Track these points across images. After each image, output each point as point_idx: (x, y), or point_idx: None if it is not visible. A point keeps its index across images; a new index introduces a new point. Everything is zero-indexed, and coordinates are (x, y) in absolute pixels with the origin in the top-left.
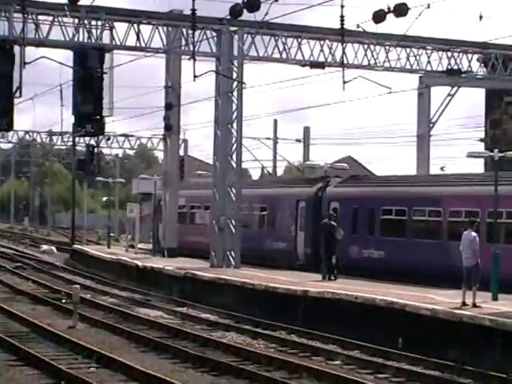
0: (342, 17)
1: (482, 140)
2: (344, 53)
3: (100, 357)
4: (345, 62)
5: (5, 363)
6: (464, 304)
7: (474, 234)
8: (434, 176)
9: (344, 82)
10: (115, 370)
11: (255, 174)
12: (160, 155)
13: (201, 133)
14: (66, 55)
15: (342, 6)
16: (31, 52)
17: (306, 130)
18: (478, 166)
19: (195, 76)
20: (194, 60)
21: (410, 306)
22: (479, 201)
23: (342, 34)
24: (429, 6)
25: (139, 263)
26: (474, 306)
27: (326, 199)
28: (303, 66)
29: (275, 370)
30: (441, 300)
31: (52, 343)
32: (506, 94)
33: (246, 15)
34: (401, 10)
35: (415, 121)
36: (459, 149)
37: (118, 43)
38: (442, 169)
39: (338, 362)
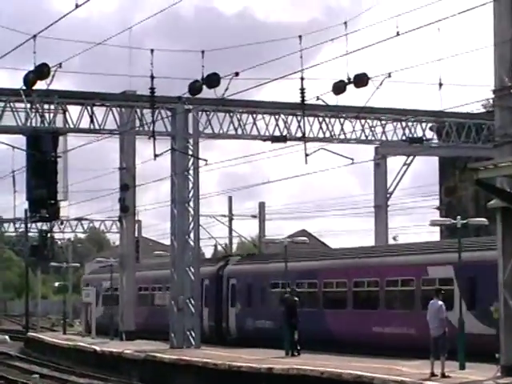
0: (302, 89)
1: (437, 208)
2: (301, 126)
3: None
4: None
5: None
6: (433, 374)
7: (440, 302)
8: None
9: (306, 155)
10: None
11: (208, 252)
12: (112, 238)
13: (150, 213)
14: (18, 140)
15: (302, 79)
16: None
17: (262, 205)
18: (434, 234)
19: (156, 155)
20: (154, 139)
21: (378, 379)
22: (347, 272)
23: (303, 107)
24: (390, 75)
25: (97, 348)
26: (443, 376)
27: (226, 276)
28: (264, 140)
29: None
30: (408, 371)
31: None
32: (459, 162)
33: (205, 92)
34: (361, 81)
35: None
36: (415, 217)
37: (72, 126)
38: (394, 238)
39: None
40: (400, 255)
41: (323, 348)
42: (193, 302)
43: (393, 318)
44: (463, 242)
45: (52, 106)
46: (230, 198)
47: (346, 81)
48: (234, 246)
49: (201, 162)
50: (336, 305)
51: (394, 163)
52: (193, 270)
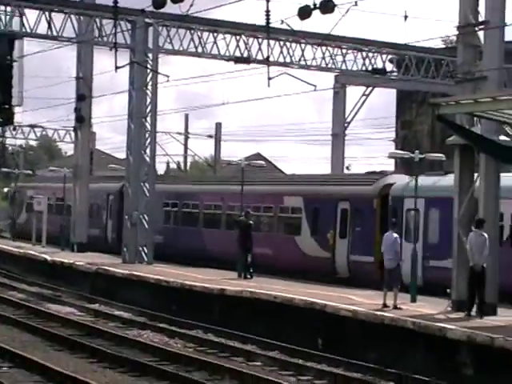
0: (267, 11)
1: (393, 141)
2: (263, 50)
3: (12, 355)
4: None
5: None
6: (385, 305)
7: (395, 235)
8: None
9: (269, 79)
10: (30, 370)
11: (161, 169)
12: (64, 147)
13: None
14: None
15: (268, 0)
16: None
17: (218, 125)
18: (388, 166)
19: (117, 67)
20: (116, 50)
21: (330, 307)
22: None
23: (268, 30)
24: (356, 4)
25: (48, 257)
26: (395, 307)
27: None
28: (228, 60)
29: (196, 371)
30: (360, 301)
31: None
32: (417, 96)
33: (170, 6)
34: (327, 7)
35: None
36: (373, 149)
37: (29, 31)
38: (347, 168)
39: (258, 363)
40: (265, 185)
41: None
42: (147, 218)
43: (256, 240)
44: (313, 177)
45: (8, 9)
46: (187, 116)
47: (312, 6)
48: (188, 165)
49: (159, 78)
50: (212, 225)
51: (353, 93)
52: (148, 186)
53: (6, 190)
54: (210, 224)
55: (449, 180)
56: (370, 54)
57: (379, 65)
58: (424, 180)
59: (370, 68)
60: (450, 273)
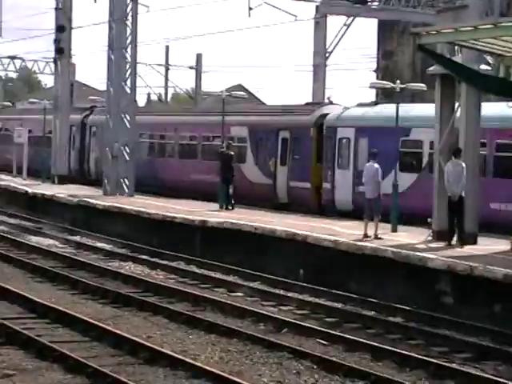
0: None
1: (374, 71)
2: None
3: None
4: None
5: None
6: (366, 236)
7: (376, 165)
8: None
9: (250, 9)
10: (11, 302)
11: (141, 101)
12: (44, 79)
13: (85, 58)
14: None
15: None
16: None
17: (199, 56)
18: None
19: None
20: None
21: (311, 238)
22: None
23: None
24: None
25: (29, 190)
26: (376, 237)
27: (88, 124)
28: None
29: (178, 302)
30: (342, 232)
31: None
32: (398, 26)
33: None
34: None
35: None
36: (354, 79)
37: None
38: (328, 99)
39: (240, 294)
40: (214, 116)
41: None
42: (128, 149)
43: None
44: (257, 108)
45: None
46: (167, 48)
47: None
48: (169, 97)
49: (140, 9)
50: (166, 155)
51: (334, 23)
52: (128, 117)
53: None
54: (163, 154)
55: (376, 110)
56: None
57: None
58: (354, 111)
59: None
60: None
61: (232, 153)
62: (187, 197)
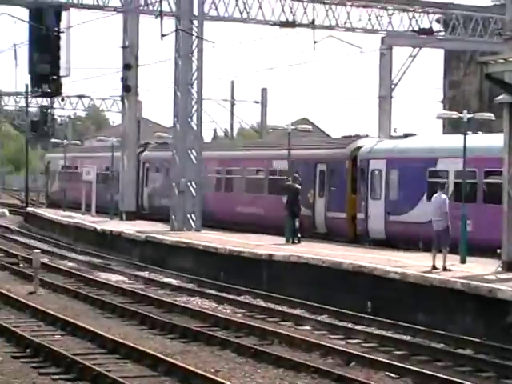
0: None
1: (441, 102)
2: (308, 13)
3: (64, 323)
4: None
5: None
6: (434, 267)
7: (444, 196)
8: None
9: (314, 42)
10: (81, 338)
11: (208, 136)
12: (111, 117)
13: (151, 95)
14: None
15: None
16: None
17: (264, 91)
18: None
19: (162, 35)
20: (162, 18)
21: (378, 270)
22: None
23: None
24: None
25: (97, 226)
26: (445, 269)
27: (142, 161)
28: (273, 25)
29: (245, 336)
30: (409, 263)
31: (13, 310)
32: (464, 56)
33: None
34: None
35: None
36: (420, 110)
37: (75, 1)
38: (394, 130)
39: (307, 328)
40: (257, 150)
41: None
42: (194, 185)
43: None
44: (296, 143)
45: None
46: (233, 83)
47: None
48: (235, 132)
49: (206, 45)
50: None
51: (400, 55)
52: (195, 153)
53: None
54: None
55: (406, 142)
56: (417, 15)
57: (426, 25)
58: (386, 143)
59: (416, 28)
60: (408, 226)
61: (298, 186)
62: (254, 231)
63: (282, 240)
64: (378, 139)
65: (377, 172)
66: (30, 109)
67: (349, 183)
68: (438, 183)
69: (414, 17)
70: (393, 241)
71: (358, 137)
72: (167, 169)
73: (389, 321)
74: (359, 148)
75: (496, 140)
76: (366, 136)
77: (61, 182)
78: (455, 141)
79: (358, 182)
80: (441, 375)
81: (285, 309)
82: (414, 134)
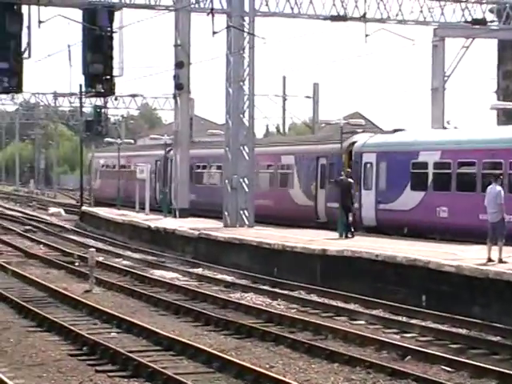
0: None
1: (495, 92)
2: (359, 6)
3: (120, 321)
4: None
5: (23, 329)
6: (490, 260)
7: (498, 188)
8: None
9: (366, 35)
10: (137, 335)
11: (260, 132)
12: (164, 115)
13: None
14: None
15: None
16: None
17: (316, 86)
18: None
19: (214, 32)
20: (213, 15)
21: (433, 263)
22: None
23: None
24: None
25: (151, 224)
26: (501, 261)
27: (169, 158)
28: (324, 19)
29: (299, 332)
30: (464, 256)
31: (70, 308)
32: None
33: None
34: None
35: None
36: (474, 101)
37: (128, 1)
38: (448, 122)
39: (362, 322)
40: (268, 147)
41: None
42: (246, 181)
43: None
44: (300, 139)
45: None
46: (284, 78)
47: None
48: (287, 127)
49: (257, 41)
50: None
51: (453, 46)
52: (247, 149)
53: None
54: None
55: (394, 137)
56: (469, 5)
57: (479, 15)
58: (377, 138)
59: (469, 19)
60: (394, 213)
61: (351, 180)
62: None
63: (335, 235)
64: (371, 134)
65: (368, 165)
66: (84, 109)
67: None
68: (421, 174)
69: (466, 7)
70: (382, 228)
71: (353, 132)
72: (193, 165)
73: (444, 314)
74: (354, 143)
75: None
76: (363, 132)
77: (108, 180)
78: (435, 135)
79: (353, 174)
80: (498, 368)
81: (339, 303)
82: (403, 129)
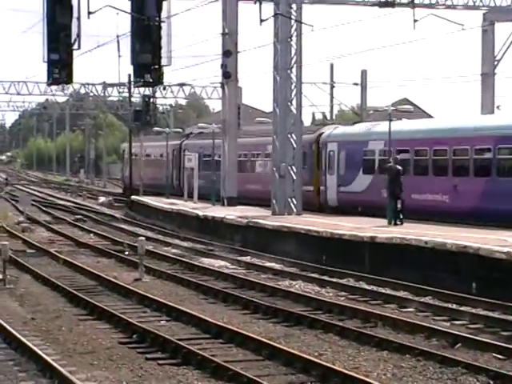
0: None
1: None
2: None
3: (170, 309)
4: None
5: (75, 317)
6: None
7: None
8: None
9: (414, 21)
10: (186, 323)
11: (307, 120)
12: (211, 104)
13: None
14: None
15: None
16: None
17: (363, 72)
18: None
19: (261, 20)
20: (260, 3)
21: (483, 250)
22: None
23: None
24: None
25: (199, 213)
26: None
27: (182, 148)
28: (372, 5)
29: (348, 319)
30: None
31: (120, 296)
32: None
33: None
34: None
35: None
36: None
37: None
38: (498, 108)
39: (411, 310)
40: (255, 137)
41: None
42: (294, 169)
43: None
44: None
45: None
46: (332, 65)
47: None
48: (335, 115)
49: (304, 29)
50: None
51: (503, 30)
52: (294, 137)
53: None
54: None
55: (353, 128)
56: None
57: None
58: (339, 129)
59: None
60: (350, 195)
61: (400, 167)
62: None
63: (384, 222)
64: (336, 126)
65: (331, 153)
66: (132, 99)
67: (314, 162)
68: (370, 160)
69: None
70: (342, 208)
71: (324, 124)
72: (201, 153)
73: (495, 301)
74: (322, 134)
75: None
76: (332, 123)
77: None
78: (381, 126)
79: (320, 160)
80: None
81: (388, 291)
82: (361, 122)
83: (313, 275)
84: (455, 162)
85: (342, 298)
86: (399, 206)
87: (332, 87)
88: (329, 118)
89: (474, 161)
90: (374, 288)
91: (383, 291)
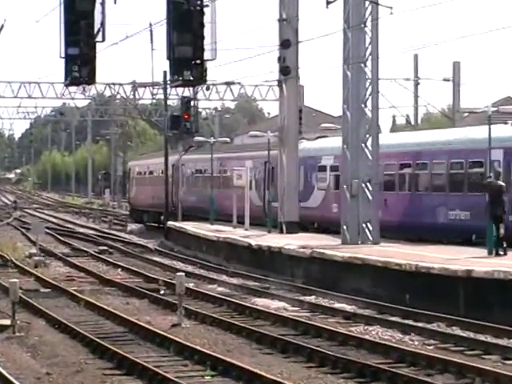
0: None
1: None
2: None
3: (215, 362)
4: None
5: (100, 372)
6: None
7: None
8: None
9: None
10: (236, 379)
11: (385, 126)
12: (266, 107)
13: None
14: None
15: None
16: None
17: (456, 65)
18: None
19: (328, 2)
20: None
21: None
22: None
23: None
24: None
25: (252, 242)
26: None
27: (180, 163)
28: None
29: (438, 374)
30: None
31: (154, 346)
32: None
33: None
34: None
35: None
36: None
37: None
38: None
39: None
40: (237, 152)
41: None
42: (370, 187)
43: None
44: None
45: None
46: (416, 57)
47: None
48: (420, 118)
49: (381, 12)
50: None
51: None
52: (370, 147)
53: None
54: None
55: (312, 143)
56: None
57: None
58: (305, 144)
59: None
60: (308, 210)
61: (502, 183)
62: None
63: (482, 252)
64: (307, 141)
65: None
66: (169, 101)
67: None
68: (323, 176)
69: None
70: (302, 223)
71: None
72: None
73: None
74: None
75: None
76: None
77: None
78: (333, 141)
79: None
80: None
81: (488, 338)
82: (326, 136)
83: (393, 319)
84: (385, 178)
85: (431, 348)
86: (502, 231)
87: (416, 84)
88: (413, 122)
89: (399, 176)
90: (471, 335)
91: (482, 339)
